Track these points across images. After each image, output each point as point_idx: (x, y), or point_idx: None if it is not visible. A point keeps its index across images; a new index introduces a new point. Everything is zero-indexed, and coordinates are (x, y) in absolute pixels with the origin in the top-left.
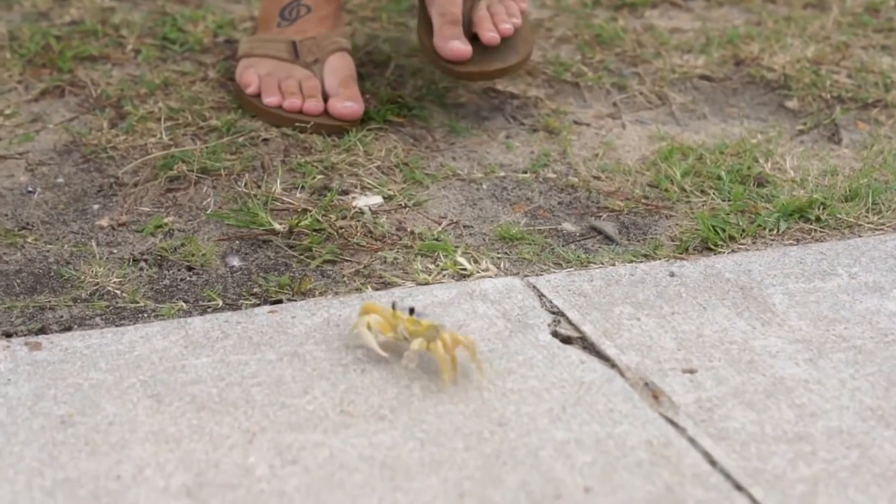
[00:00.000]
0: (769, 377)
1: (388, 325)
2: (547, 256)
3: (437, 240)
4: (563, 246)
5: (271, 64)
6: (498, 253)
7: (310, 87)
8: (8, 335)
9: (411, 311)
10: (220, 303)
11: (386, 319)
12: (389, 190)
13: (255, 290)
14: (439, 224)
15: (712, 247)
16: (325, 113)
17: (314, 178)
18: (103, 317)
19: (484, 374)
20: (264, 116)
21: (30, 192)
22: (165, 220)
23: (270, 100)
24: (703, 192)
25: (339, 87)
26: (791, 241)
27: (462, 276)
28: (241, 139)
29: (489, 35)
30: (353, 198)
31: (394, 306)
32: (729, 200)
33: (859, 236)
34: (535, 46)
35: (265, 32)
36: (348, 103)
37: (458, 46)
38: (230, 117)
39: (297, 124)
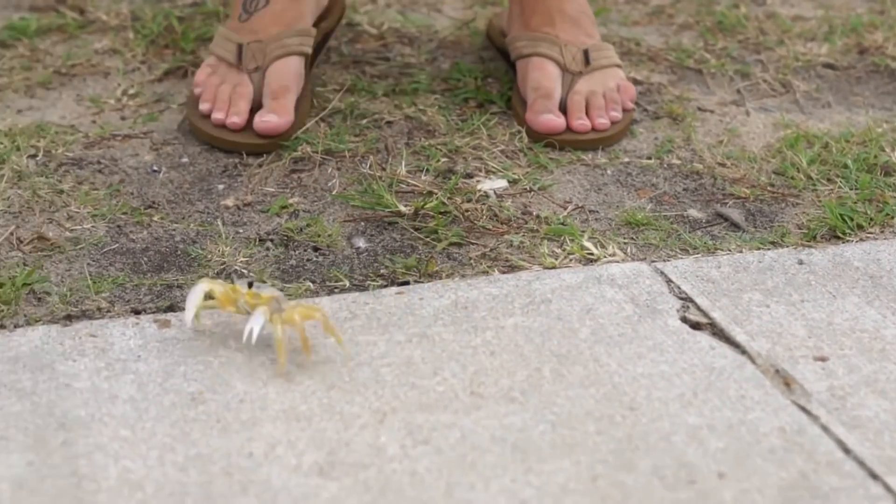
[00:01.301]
0: None
1: (227, 300)
2: (673, 242)
3: (563, 224)
4: (689, 232)
5: (218, 65)
6: (624, 238)
7: (239, 95)
8: (137, 312)
9: (250, 284)
10: (347, 283)
11: (225, 293)
12: (514, 174)
13: (381, 271)
14: (565, 208)
15: (840, 235)
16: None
17: (438, 160)
18: None
19: (345, 345)
20: (198, 134)
21: (155, 171)
22: (290, 201)
23: (203, 106)
24: (829, 180)
25: (268, 99)
26: None
27: (589, 260)
28: (364, 121)
29: (577, 123)
30: (478, 181)
31: (232, 280)
32: (856, 189)
33: None
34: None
35: (232, 23)
36: (267, 117)
37: (551, 119)
38: (353, 99)
39: (216, 145)
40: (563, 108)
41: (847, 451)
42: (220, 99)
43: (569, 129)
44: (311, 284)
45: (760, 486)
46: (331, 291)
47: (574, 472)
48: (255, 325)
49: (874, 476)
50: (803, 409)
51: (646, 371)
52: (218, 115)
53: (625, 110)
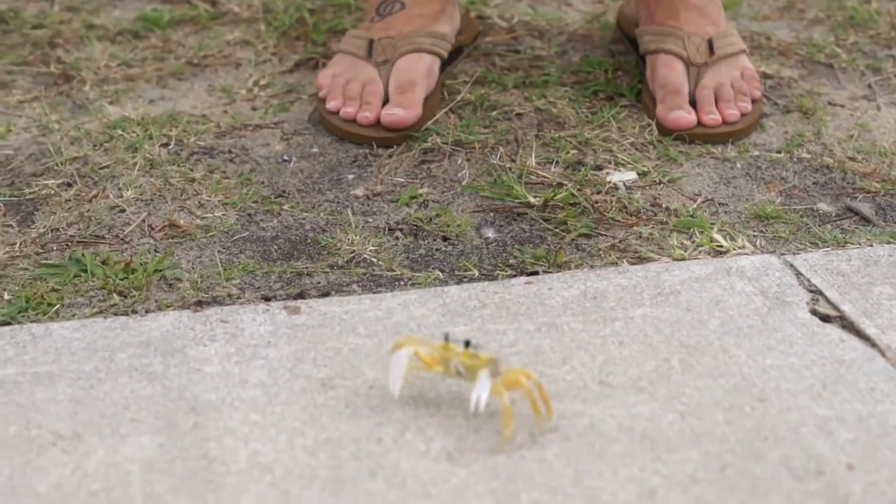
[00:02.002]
0: None
1: (436, 360)
2: (803, 236)
3: (692, 216)
4: (818, 226)
5: (346, 62)
6: (753, 231)
7: (369, 93)
8: (267, 299)
9: (467, 343)
10: (476, 273)
11: (434, 353)
12: (643, 166)
13: (510, 261)
14: (694, 201)
15: None
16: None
17: (568, 152)
18: (360, 283)
19: (543, 423)
20: (328, 126)
21: (285, 160)
22: (420, 191)
23: (331, 104)
24: None
25: (395, 93)
26: None
27: (718, 252)
28: (493, 113)
29: (708, 118)
30: (607, 173)
31: (446, 338)
32: None
33: None
34: (763, 109)
35: (363, 24)
36: (394, 110)
37: (682, 116)
38: (483, 91)
39: (350, 140)
40: (693, 102)
41: None
42: (350, 96)
43: (699, 123)
44: (440, 273)
45: (890, 478)
46: (460, 280)
47: (702, 461)
48: (482, 392)
49: None
50: None
51: (775, 363)
52: (348, 110)
53: (753, 101)
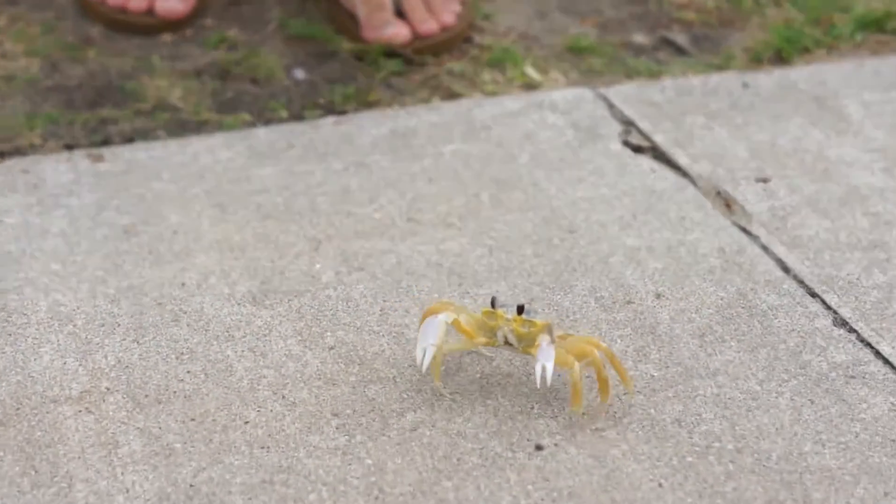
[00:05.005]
0: (844, 186)
1: (478, 329)
2: (617, 68)
3: (505, 51)
4: (633, 57)
5: None
6: (567, 64)
7: None
8: (70, 147)
9: (520, 309)
10: (286, 114)
11: (476, 322)
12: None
13: (320, 101)
14: (507, 36)
15: (786, 58)
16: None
17: None
18: (166, 129)
19: (631, 387)
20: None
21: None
22: (229, 34)
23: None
24: (777, 3)
25: None
26: (867, 53)
27: (530, 87)
28: None
29: (425, 27)
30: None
31: (493, 303)
32: (804, 11)
33: None
34: None
35: None
36: (170, 2)
37: (397, 31)
38: None
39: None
40: (400, 13)
41: (786, 270)
42: None
43: (416, 36)
44: (248, 116)
45: (698, 306)
46: (268, 122)
47: (510, 294)
48: (547, 362)
49: (812, 294)
50: (743, 229)
51: (586, 195)
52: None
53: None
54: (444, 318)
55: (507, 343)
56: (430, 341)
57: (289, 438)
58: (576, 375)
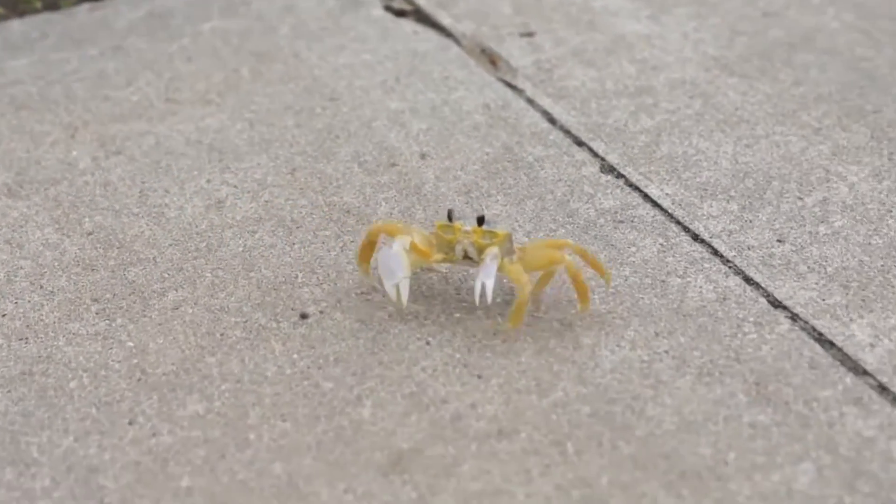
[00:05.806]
0: (610, 35)
1: (437, 244)
2: None
3: None
4: None
5: None
6: None
7: None
8: None
9: (480, 220)
10: (40, 5)
11: (431, 238)
12: None
13: None
14: None
15: None
16: None
17: None
18: None
19: (609, 279)
20: None
21: None
22: None
23: None
24: None
25: None
26: None
27: None
28: None
29: None
30: None
31: (449, 215)
32: None
33: None
34: None
35: None
36: None
37: None
38: None
39: None
40: None
41: (553, 121)
42: None
43: None
44: (1, 10)
45: (463, 163)
46: (22, 14)
47: (272, 167)
48: (487, 279)
49: (580, 143)
50: (509, 84)
51: (347, 62)
52: None
53: None
54: (400, 245)
55: (466, 257)
56: (399, 275)
57: (48, 328)
58: (522, 297)
